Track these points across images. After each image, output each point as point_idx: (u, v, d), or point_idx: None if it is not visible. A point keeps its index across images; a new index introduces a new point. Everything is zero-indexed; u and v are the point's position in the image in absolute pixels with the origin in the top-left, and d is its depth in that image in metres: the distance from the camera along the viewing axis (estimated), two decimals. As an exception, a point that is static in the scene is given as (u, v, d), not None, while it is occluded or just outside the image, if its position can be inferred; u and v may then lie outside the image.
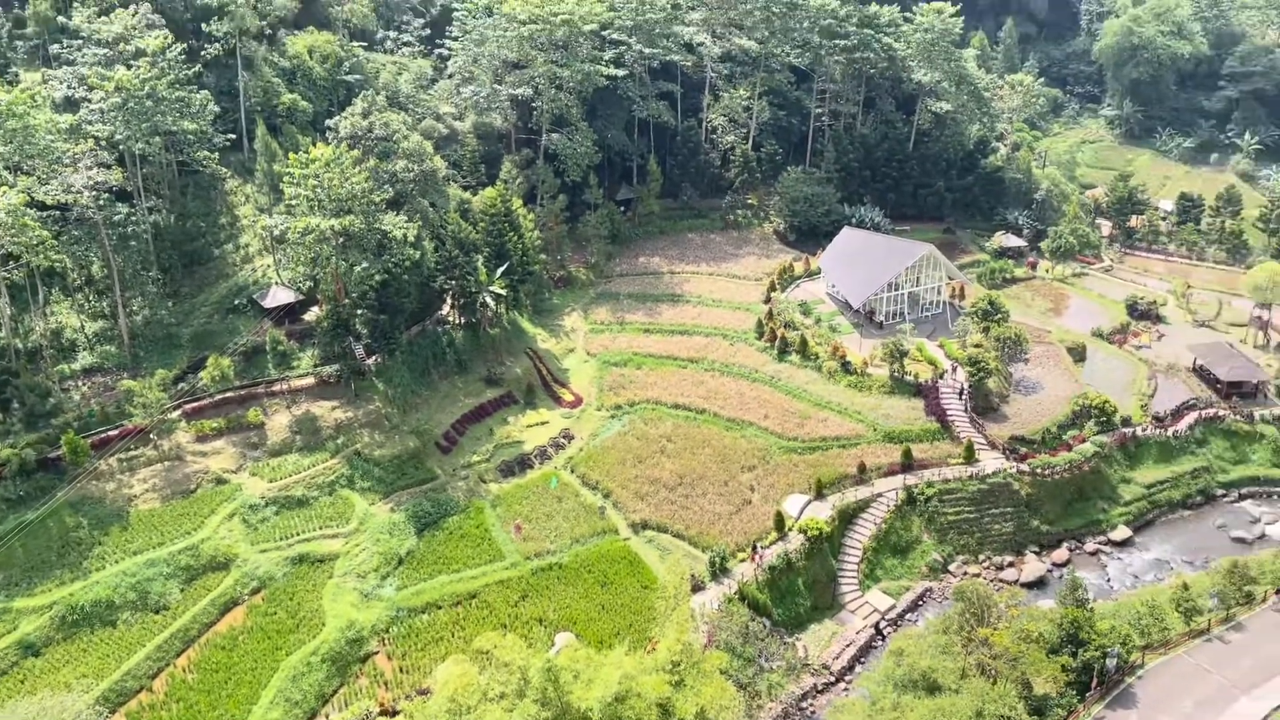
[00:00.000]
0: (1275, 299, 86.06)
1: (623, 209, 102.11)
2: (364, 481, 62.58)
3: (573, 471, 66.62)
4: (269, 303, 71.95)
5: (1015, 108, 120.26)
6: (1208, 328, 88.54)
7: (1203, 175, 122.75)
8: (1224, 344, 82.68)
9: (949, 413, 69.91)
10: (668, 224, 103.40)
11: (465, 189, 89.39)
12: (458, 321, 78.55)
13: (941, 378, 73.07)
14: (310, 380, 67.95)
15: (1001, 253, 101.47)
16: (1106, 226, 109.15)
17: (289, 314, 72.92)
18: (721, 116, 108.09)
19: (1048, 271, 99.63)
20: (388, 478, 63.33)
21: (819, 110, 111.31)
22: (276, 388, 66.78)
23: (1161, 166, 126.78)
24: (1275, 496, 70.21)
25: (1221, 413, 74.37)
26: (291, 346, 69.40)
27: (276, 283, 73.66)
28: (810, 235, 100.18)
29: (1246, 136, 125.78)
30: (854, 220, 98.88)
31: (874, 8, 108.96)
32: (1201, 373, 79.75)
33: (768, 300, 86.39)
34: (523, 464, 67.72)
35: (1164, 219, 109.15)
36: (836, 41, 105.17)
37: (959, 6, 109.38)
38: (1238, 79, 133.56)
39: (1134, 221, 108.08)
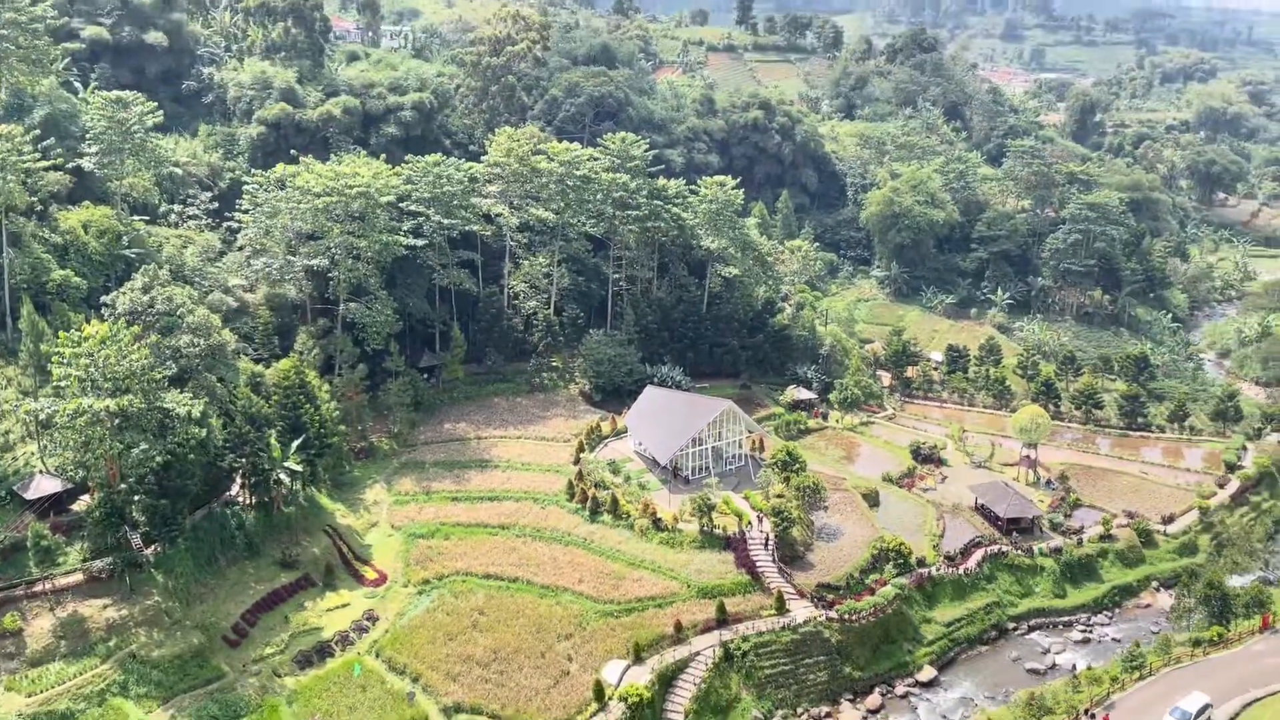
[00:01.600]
0: (1039, 438, 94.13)
1: (426, 376, 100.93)
2: (140, 687, 56.53)
3: (378, 656, 62.75)
4: (32, 494, 65.39)
5: (796, 270, 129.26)
6: (984, 468, 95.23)
7: (965, 328, 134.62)
8: (1000, 483, 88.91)
9: (758, 564, 71.14)
10: (473, 389, 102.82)
11: (258, 362, 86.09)
12: (249, 502, 73.97)
13: (748, 529, 74.61)
14: (78, 577, 61.60)
15: (795, 405, 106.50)
16: (886, 377, 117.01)
17: (55, 505, 66.42)
18: (523, 283, 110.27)
19: (838, 421, 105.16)
20: (168, 680, 57.47)
21: (616, 275, 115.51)
22: (38, 588, 60.06)
23: (929, 321, 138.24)
24: (1060, 626, 74.76)
25: (1004, 548, 79.35)
26: (57, 541, 63.02)
27: (41, 471, 67.34)
28: (615, 395, 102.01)
29: (999, 292, 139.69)
30: (656, 379, 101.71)
31: (662, 181, 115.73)
32: (983, 511, 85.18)
33: (577, 461, 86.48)
34: (322, 653, 63.20)
35: (936, 369, 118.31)
36: (629, 212, 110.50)
37: (739, 180, 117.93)
38: (986, 241, 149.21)
39: (910, 372, 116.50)
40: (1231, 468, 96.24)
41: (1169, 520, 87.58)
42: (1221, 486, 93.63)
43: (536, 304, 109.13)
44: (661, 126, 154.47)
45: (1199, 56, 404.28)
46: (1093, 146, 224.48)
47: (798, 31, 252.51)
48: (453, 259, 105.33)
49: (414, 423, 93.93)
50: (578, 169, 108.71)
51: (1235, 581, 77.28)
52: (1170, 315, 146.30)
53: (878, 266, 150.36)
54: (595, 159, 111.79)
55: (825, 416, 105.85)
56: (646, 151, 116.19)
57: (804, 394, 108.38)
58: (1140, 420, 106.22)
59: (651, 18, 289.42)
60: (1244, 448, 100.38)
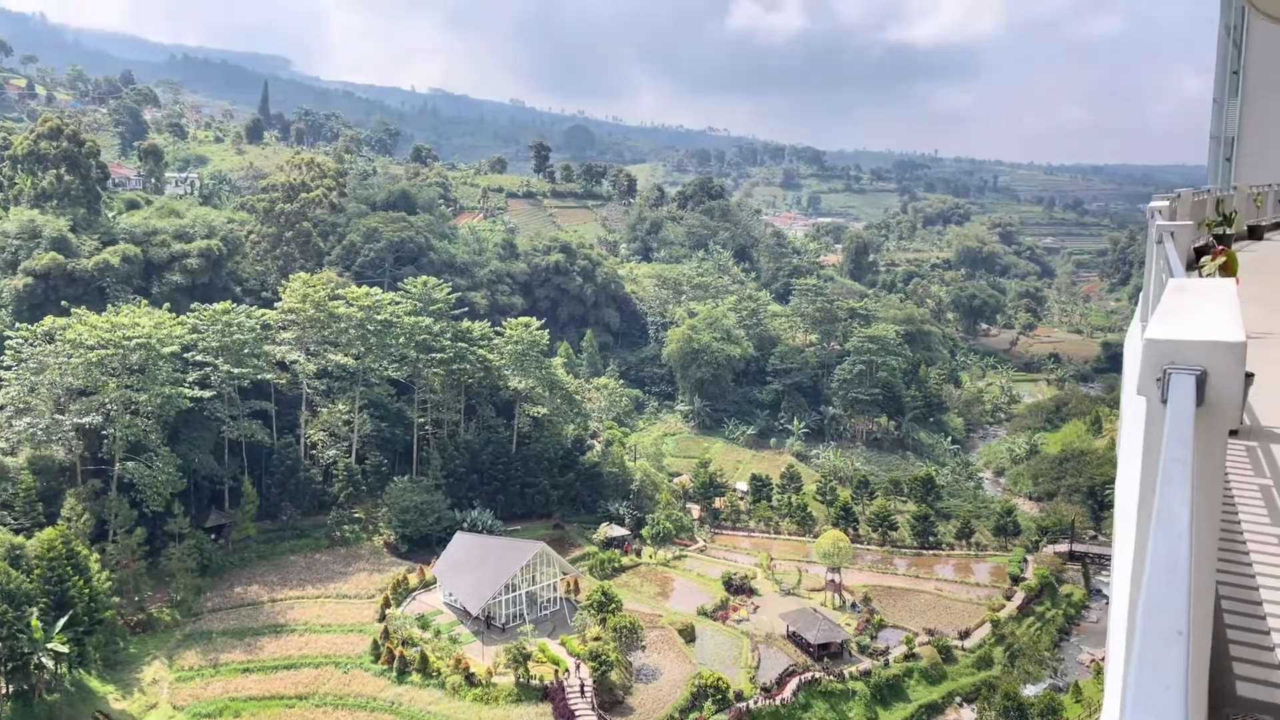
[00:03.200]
0: (841, 562, 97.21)
1: (214, 536, 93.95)
2: None
3: None
4: None
5: (604, 407, 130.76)
6: (794, 595, 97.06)
7: (767, 457, 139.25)
8: (809, 609, 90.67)
9: (577, 713, 68.71)
10: (267, 548, 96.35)
11: (18, 532, 77.75)
12: (5, 691, 65.41)
13: (566, 677, 72.28)
14: None
15: (608, 543, 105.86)
16: (696, 510, 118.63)
17: None
18: (322, 431, 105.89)
19: (651, 557, 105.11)
20: None
21: (422, 419, 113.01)
22: None
23: (733, 452, 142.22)
24: (875, 748, 75.65)
25: (817, 675, 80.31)
26: None
27: None
28: (423, 544, 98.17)
29: (795, 422, 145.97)
30: (465, 525, 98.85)
31: (466, 323, 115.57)
32: (795, 638, 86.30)
33: (383, 618, 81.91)
34: None
35: (742, 499, 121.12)
36: (433, 355, 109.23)
37: (543, 321, 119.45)
38: (780, 374, 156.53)
39: (718, 503, 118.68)
40: (1015, 580, 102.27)
41: (965, 635, 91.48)
42: (1008, 599, 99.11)
43: (336, 453, 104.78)
44: (464, 270, 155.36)
45: (954, 202, 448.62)
46: (869, 284, 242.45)
47: (594, 180, 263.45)
48: (244, 410, 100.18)
49: (200, 589, 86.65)
50: (378, 313, 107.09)
51: (1029, 690, 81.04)
52: (949, 438, 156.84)
53: (681, 401, 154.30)
54: (397, 303, 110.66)
55: (639, 553, 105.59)
56: (450, 294, 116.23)
57: (617, 531, 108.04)
58: (931, 539, 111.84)
59: (451, 165, 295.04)
60: (1025, 560, 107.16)
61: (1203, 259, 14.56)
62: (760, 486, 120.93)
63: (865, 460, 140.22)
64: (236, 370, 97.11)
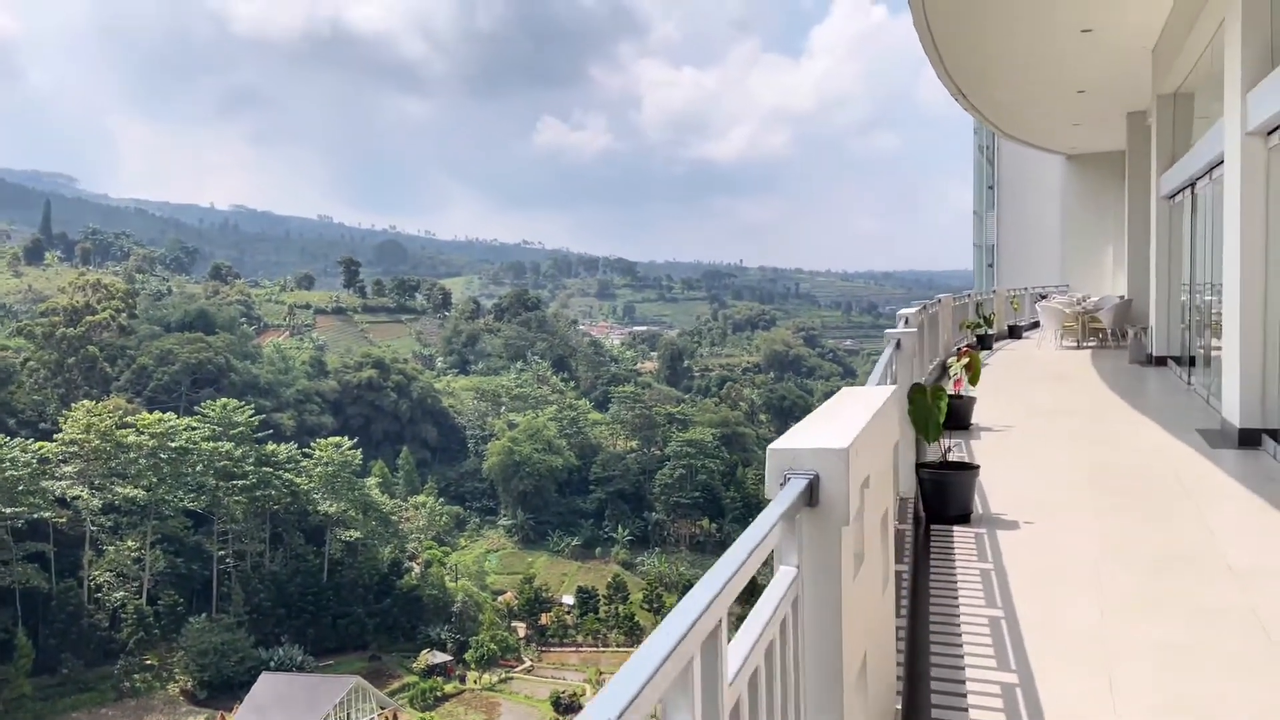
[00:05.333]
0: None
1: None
2: None
3: None
4: None
5: (422, 527, 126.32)
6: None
7: (593, 568, 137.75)
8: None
9: None
10: (45, 706, 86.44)
11: None
12: None
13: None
14: None
15: (430, 671, 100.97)
16: (522, 628, 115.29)
17: None
18: (108, 572, 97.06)
19: (475, 682, 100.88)
20: None
21: (222, 552, 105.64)
22: None
23: (558, 565, 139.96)
24: None
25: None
26: None
27: None
28: (225, 689, 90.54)
29: (620, 530, 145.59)
30: (272, 664, 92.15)
31: (271, 446, 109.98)
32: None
33: (177, 778, 74.46)
34: None
35: (569, 613, 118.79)
36: (235, 482, 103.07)
37: (355, 440, 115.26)
38: (603, 482, 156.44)
39: (544, 619, 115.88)
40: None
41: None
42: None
43: (125, 594, 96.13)
44: (269, 390, 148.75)
45: (760, 309, 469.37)
46: (685, 389, 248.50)
47: (407, 294, 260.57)
48: (17, 554, 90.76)
49: (-41, 763, 76.49)
50: (173, 440, 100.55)
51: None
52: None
53: (504, 515, 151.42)
54: (193, 428, 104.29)
55: (463, 679, 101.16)
56: (252, 417, 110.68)
57: (439, 657, 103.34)
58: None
59: (254, 283, 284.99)
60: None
61: (948, 359, 15.55)
62: (587, 599, 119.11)
63: (690, 564, 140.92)
64: (9, 510, 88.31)
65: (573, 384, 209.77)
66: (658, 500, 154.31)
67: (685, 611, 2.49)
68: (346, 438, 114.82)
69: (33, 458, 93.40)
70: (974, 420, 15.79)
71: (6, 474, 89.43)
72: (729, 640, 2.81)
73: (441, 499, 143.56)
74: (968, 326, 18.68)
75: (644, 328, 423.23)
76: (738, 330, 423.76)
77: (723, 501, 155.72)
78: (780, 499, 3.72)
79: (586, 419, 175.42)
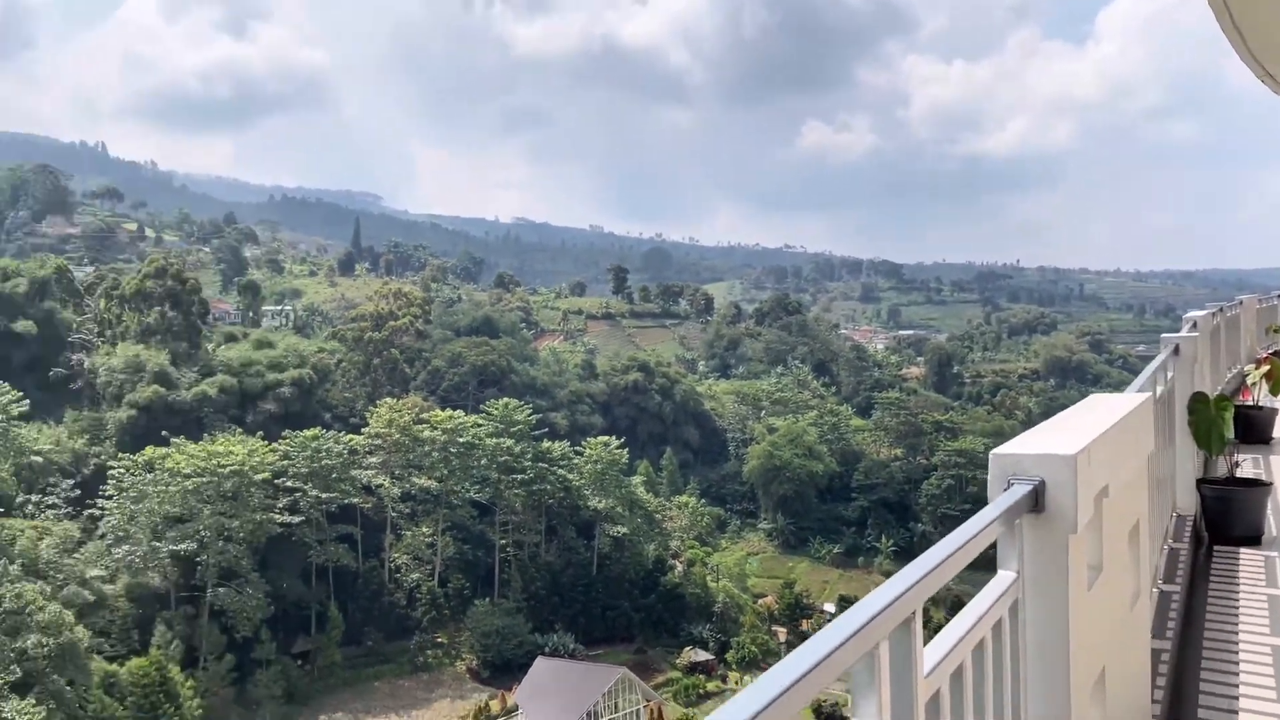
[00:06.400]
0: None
1: (301, 662, 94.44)
2: None
3: None
4: None
5: (685, 526, 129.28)
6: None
7: (855, 577, 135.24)
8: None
9: None
10: (352, 674, 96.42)
11: (114, 659, 79.28)
12: (91, 823, 65.74)
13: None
14: None
15: (692, 668, 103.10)
16: (782, 633, 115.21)
17: None
18: (406, 555, 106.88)
19: (737, 683, 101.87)
20: None
21: (503, 541, 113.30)
22: None
23: (819, 572, 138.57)
24: None
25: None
26: None
27: None
28: (505, 670, 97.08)
29: (883, 539, 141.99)
30: (547, 649, 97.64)
31: (546, 444, 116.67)
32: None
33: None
34: None
35: (829, 621, 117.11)
36: (514, 476, 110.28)
37: (622, 439, 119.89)
38: (865, 490, 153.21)
39: (805, 625, 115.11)
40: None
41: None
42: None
43: (420, 576, 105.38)
44: (545, 391, 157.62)
45: (1039, 311, 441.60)
46: (954, 396, 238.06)
47: (671, 299, 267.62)
48: (331, 534, 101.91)
49: (286, 716, 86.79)
50: (461, 436, 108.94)
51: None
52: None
53: (764, 519, 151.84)
54: (479, 425, 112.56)
55: (725, 679, 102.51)
56: (530, 416, 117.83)
57: (701, 655, 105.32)
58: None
59: (532, 290, 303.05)
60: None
61: (1247, 366, 14.24)
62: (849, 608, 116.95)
63: (958, 579, 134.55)
64: (325, 495, 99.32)
65: (834, 389, 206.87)
66: (924, 511, 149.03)
67: (874, 600, 2.68)
68: (614, 437, 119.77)
69: (344, 449, 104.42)
70: (1275, 434, 14.34)
71: (323, 463, 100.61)
72: (931, 635, 2.97)
73: (703, 500, 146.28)
74: (1274, 330, 16.99)
75: (910, 332, 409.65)
76: (1013, 334, 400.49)
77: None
78: (998, 503, 3.76)
79: (848, 425, 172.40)
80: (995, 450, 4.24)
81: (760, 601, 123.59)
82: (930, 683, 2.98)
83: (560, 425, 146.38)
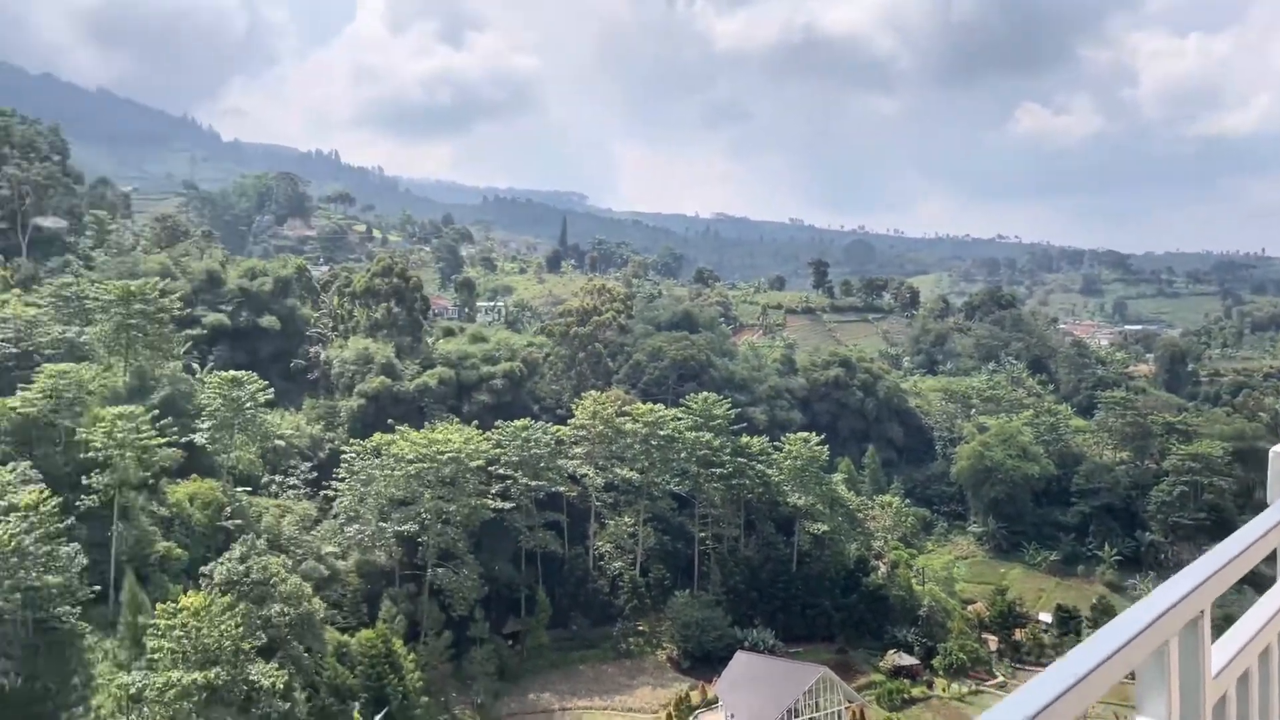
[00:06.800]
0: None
1: (511, 642, 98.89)
2: None
3: None
4: (111, 770, 64.38)
5: (888, 527, 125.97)
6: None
7: (1074, 586, 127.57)
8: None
9: None
10: (558, 656, 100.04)
11: (345, 630, 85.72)
12: (326, 779, 71.37)
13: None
14: None
15: (895, 672, 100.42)
16: (992, 641, 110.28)
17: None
18: (609, 543, 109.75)
19: (944, 690, 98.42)
20: None
21: (702, 534, 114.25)
22: None
23: (1034, 579, 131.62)
24: None
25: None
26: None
27: (125, 747, 66.51)
28: (705, 661, 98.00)
29: (1106, 548, 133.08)
30: (746, 643, 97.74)
31: (745, 438, 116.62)
32: (1114, 792, 76.94)
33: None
34: None
35: (1045, 632, 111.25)
36: (713, 470, 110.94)
37: (822, 436, 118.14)
38: (1086, 495, 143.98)
39: (1018, 635, 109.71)
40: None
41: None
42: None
43: (622, 565, 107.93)
44: (743, 386, 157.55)
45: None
46: (1187, 396, 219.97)
47: (874, 293, 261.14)
48: (539, 521, 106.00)
49: (498, 693, 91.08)
50: (661, 429, 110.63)
51: None
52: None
53: (973, 522, 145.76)
54: (679, 419, 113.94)
55: (930, 685, 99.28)
56: (729, 410, 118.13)
57: (905, 659, 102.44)
58: None
59: (731, 285, 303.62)
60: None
61: None
62: (1067, 619, 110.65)
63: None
64: (533, 483, 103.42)
65: (1051, 387, 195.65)
66: (1153, 519, 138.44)
67: (1160, 597, 2.54)
68: (814, 433, 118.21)
69: (551, 439, 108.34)
70: None
71: (532, 452, 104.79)
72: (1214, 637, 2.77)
73: (908, 500, 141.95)
74: None
75: (1138, 327, 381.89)
76: (1257, 330, 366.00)
77: (1236, 525, 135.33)
78: None
79: (1067, 425, 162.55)
80: (1276, 448, 3.93)
81: (969, 607, 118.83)
82: (1218, 685, 2.84)
83: (759, 420, 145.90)
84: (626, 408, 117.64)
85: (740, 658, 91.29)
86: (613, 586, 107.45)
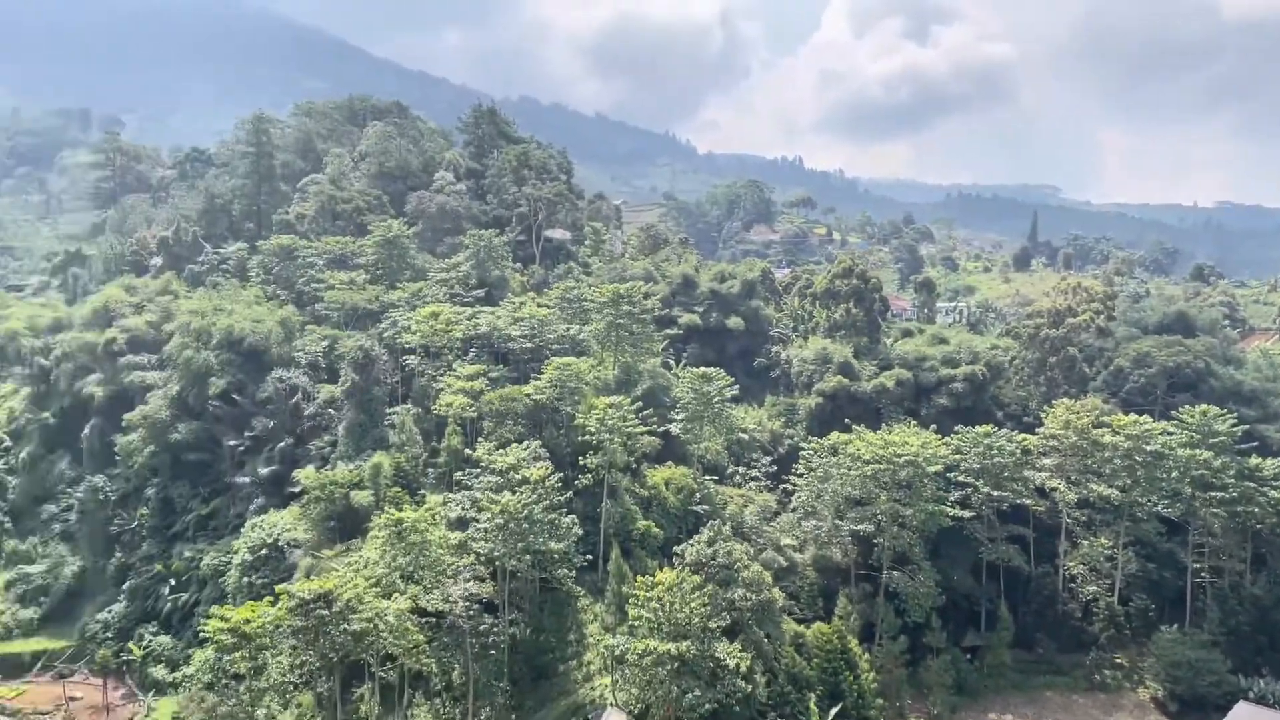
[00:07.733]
0: None
1: (969, 657, 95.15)
2: None
3: None
4: (600, 723, 72.58)
5: None
6: None
7: None
8: None
9: None
10: (1021, 678, 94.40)
11: (800, 622, 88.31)
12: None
13: None
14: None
15: None
16: None
17: (617, 736, 72.75)
18: (1081, 565, 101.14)
19: None
20: None
21: (1197, 565, 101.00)
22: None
23: None
24: None
25: None
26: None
27: (611, 704, 74.61)
28: (1196, 707, 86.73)
29: None
30: (1251, 693, 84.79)
31: (1255, 460, 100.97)
32: None
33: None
34: None
35: None
36: (1212, 493, 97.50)
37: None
38: None
39: None
40: None
41: None
42: None
43: (1097, 589, 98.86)
44: (1252, 399, 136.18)
45: None
46: None
47: None
48: (1001, 533, 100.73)
49: (954, 707, 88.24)
50: (1148, 444, 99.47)
51: None
52: None
53: None
54: (1169, 433, 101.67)
55: None
56: (1234, 427, 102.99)
57: None
58: None
59: (1238, 283, 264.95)
60: None
61: None
62: None
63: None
64: (995, 493, 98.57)
65: None
66: None
67: None
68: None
69: (1016, 448, 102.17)
70: None
71: (995, 461, 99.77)
72: None
73: None
74: None
75: None
76: None
77: None
78: None
79: None
80: None
81: None
82: None
83: (1273, 440, 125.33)
84: (1105, 418, 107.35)
85: (1242, 709, 79.22)
86: (1085, 611, 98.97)
